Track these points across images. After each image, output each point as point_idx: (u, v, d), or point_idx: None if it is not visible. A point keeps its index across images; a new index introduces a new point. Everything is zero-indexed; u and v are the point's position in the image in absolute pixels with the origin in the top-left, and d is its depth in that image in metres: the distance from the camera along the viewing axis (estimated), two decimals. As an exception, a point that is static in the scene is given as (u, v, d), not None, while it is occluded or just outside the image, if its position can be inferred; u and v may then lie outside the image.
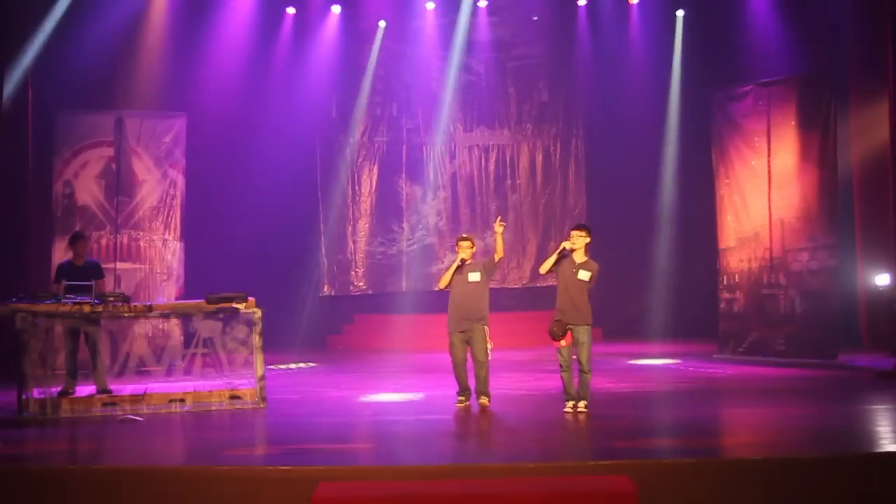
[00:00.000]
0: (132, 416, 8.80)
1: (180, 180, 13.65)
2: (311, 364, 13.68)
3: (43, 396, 8.93)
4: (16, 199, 12.87)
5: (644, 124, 16.65)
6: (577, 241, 8.54)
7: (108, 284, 11.53)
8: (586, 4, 16.86)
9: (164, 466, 6.72)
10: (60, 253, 12.34)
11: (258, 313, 9.39)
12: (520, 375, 11.66)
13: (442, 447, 7.46)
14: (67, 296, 9.21)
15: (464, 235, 9.34)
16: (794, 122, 12.49)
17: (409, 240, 17.41)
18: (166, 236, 13.49)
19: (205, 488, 6.24)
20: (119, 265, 13.03)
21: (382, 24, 16.98)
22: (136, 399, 9.22)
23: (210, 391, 9.45)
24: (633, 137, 16.72)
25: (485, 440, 7.85)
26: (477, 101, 17.51)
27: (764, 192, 12.77)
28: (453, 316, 8.98)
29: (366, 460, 6.91)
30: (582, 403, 8.50)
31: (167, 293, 13.19)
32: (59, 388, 9.38)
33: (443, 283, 9.17)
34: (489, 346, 8.99)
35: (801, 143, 12.39)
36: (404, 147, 17.48)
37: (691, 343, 14.67)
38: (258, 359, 9.36)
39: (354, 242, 17.40)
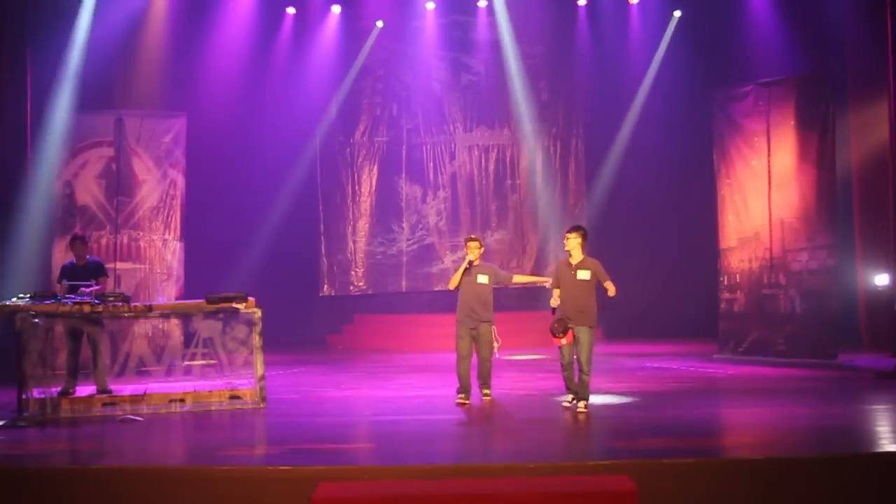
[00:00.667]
0: (132, 416, 8.80)
1: (180, 180, 13.65)
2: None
3: (43, 396, 8.92)
4: (16, 199, 12.85)
5: (644, 124, 16.66)
6: (569, 243, 8.60)
7: (108, 284, 11.51)
8: (586, 4, 16.88)
9: (164, 466, 6.71)
10: (60, 253, 12.35)
11: (258, 313, 9.39)
12: (520, 375, 11.67)
13: (442, 447, 7.45)
14: (67, 296, 9.22)
15: (472, 236, 9.43)
16: (793, 122, 12.50)
17: (408, 240, 17.42)
18: (166, 236, 13.49)
19: (205, 488, 6.24)
20: (119, 265, 13.03)
21: (380, 24, 16.99)
22: (136, 399, 9.22)
23: (210, 391, 9.44)
24: (634, 137, 16.73)
25: (485, 440, 7.85)
26: (477, 101, 17.52)
27: (764, 192, 12.77)
28: (462, 314, 9.17)
29: (366, 460, 6.91)
30: (582, 404, 8.51)
31: (167, 293, 13.20)
32: (59, 388, 9.38)
33: (452, 284, 9.32)
34: (497, 343, 9.16)
35: (800, 143, 12.40)
36: (404, 147, 17.50)
37: (691, 343, 14.69)
38: (258, 359, 9.36)
39: (354, 242, 17.42)
